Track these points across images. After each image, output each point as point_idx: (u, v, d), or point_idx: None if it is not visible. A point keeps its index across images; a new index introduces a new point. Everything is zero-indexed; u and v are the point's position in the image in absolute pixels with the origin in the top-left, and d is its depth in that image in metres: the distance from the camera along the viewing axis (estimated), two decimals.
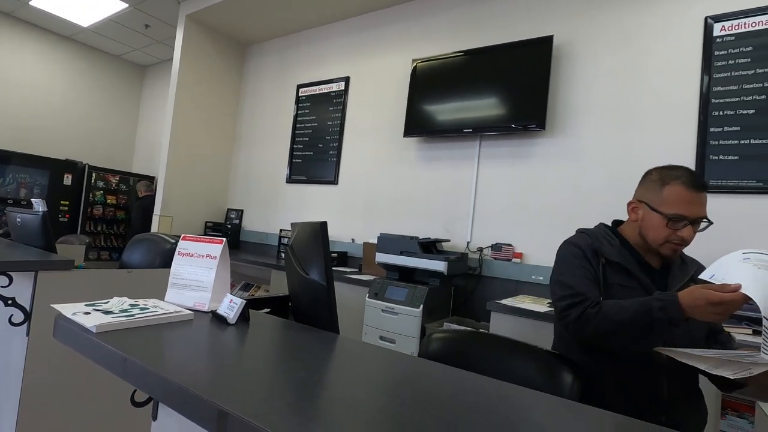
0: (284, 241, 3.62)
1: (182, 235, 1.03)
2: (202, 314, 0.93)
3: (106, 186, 5.01)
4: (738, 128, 2.12)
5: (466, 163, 2.98)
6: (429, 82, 3.10)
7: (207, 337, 0.79)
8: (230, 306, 0.88)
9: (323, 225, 0.86)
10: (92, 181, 4.86)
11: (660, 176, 1.10)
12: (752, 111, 2.11)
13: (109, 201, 5.00)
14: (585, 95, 2.58)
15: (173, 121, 3.96)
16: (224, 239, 1.00)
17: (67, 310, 0.78)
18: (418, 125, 3.12)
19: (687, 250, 1.14)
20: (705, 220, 1.07)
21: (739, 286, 0.84)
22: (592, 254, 1.14)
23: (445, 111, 2.99)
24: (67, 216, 4.72)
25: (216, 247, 0.99)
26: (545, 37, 2.63)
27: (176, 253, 0.99)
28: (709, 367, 0.80)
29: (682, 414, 1.05)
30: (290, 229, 3.76)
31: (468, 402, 0.60)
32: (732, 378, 0.75)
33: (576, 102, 2.61)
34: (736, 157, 2.11)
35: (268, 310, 1.06)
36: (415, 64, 3.17)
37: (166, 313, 0.84)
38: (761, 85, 2.10)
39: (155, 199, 4.00)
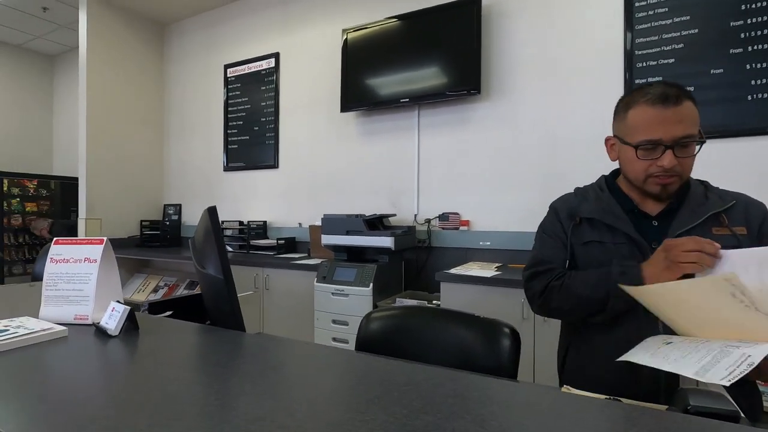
0: (228, 233, 3.43)
1: (54, 239, 0.88)
2: (83, 328, 0.80)
3: (23, 192, 4.52)
4: (660, 78, 2.16)
5: (406, 134, 2.90)
6: (362, 53, 2.96)
7: (73, 357, 0.67)
8: (112, 315, 0.76)
9: (211, 210, 0.75)
10: (4, 188, 4.37)
11: (625, 102, 0.92)
12: (672, 60, 2.15)
13: (28, 209, 4.52)
14: (516, 56, 2.55)
15: (88, 115, 3.58)
16: (105, 238, 0.86)
17: None
18: (354, 99, 2.99)
19: None
20: (691, 138, 0.85)
21: (718, 247, 0.73)
22: (566, 217, 1.02)
23: (381, 82, 2.87)
24: None
25: (95, 249, 0.85)
26: None
27: (48, 260, 0.85)
28: (697, 371, 0.61)
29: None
30: (230, 220, 3.51)
31: (374, 392, 0.53)
32: (725, 383, 0.55)
33: (509, 64, 2.57)
34: None
35: (170, 313, 0.94)
36: (346, 35, 3.01)
37: (28, 334, 0.71)
38: (679, 34, 2.13)
39: (78, 201, 3.64)
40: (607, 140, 1.00)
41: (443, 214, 2.74)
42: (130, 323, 0.78)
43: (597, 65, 2.32)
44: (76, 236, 3.72)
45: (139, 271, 3.85)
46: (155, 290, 3.65)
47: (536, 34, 2.49)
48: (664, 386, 0.87)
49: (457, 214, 2.71)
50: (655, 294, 0.76)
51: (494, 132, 2.61)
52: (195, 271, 0.95)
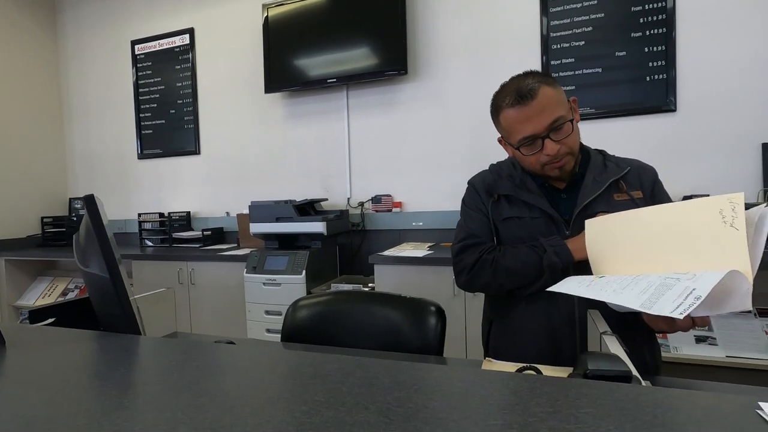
0: (147, 226, 3.15)
1: None
2: None
3: None
4: (573, 60, 2.28)
5: (336, 116, 2.82)
6: (285, 31, 2.80)
7: None
8: None
9: (88, 199, 0.64)
10: None
11: (494, 108, 0.99)
12: (583, 43, 2.27)
13: None
14: (441, 38, 2.55)
15: None
16: None
17: None
18: (279, 79, 2.84)
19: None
20: (561, 120, 0.89)
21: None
22: (485, 193, 1.05)
23: (307, 61, 2.75)
24: None
25: None
26: None
27: None
28: (643, 303, 0.59)
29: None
30: (149, 212, 3.22)
31: (276, 390, 0.49)
32: (676, 316, 0.53)
33: (434, 45, 2.57)
34: (573, 87, 2.28)
35: (52, 320, 0.82)
36: (266, 11, 2.83)
37: None
38: (588, 17, 2.26)
39: None
40: (499, 141, 1.05)
41: (376, 196, 2.73)
42: None
43: (516, 47, 2.40)
44: None
45: (43, 273, 3.44)
46: (64, 293, 3.29)
47: (459, 16, 2.51)
48: (581, 352, 0.93)
49: (389, 196, 2.70)
50: (626, 221, 0.78)
51: (423, 112, 2.62)
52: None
